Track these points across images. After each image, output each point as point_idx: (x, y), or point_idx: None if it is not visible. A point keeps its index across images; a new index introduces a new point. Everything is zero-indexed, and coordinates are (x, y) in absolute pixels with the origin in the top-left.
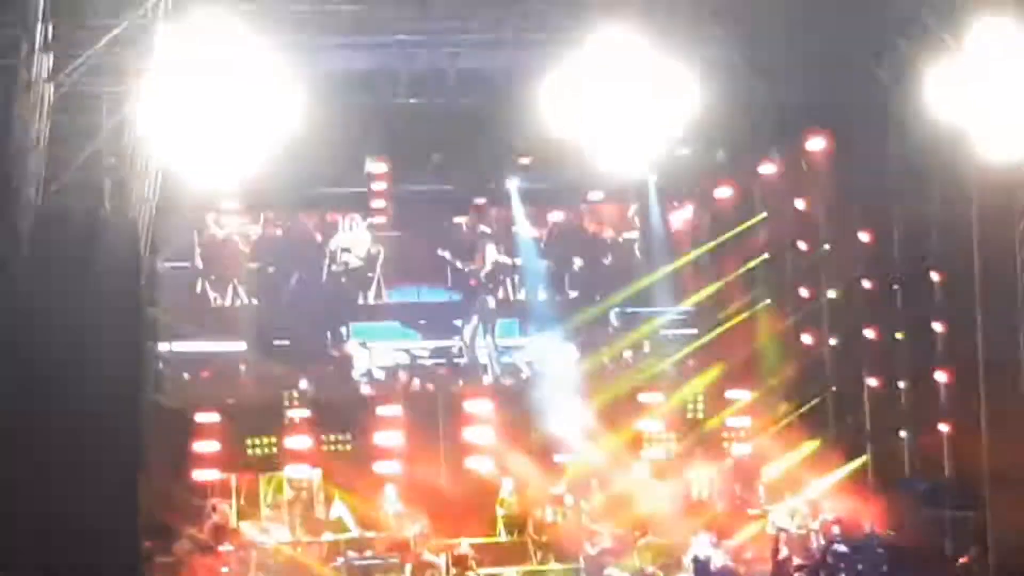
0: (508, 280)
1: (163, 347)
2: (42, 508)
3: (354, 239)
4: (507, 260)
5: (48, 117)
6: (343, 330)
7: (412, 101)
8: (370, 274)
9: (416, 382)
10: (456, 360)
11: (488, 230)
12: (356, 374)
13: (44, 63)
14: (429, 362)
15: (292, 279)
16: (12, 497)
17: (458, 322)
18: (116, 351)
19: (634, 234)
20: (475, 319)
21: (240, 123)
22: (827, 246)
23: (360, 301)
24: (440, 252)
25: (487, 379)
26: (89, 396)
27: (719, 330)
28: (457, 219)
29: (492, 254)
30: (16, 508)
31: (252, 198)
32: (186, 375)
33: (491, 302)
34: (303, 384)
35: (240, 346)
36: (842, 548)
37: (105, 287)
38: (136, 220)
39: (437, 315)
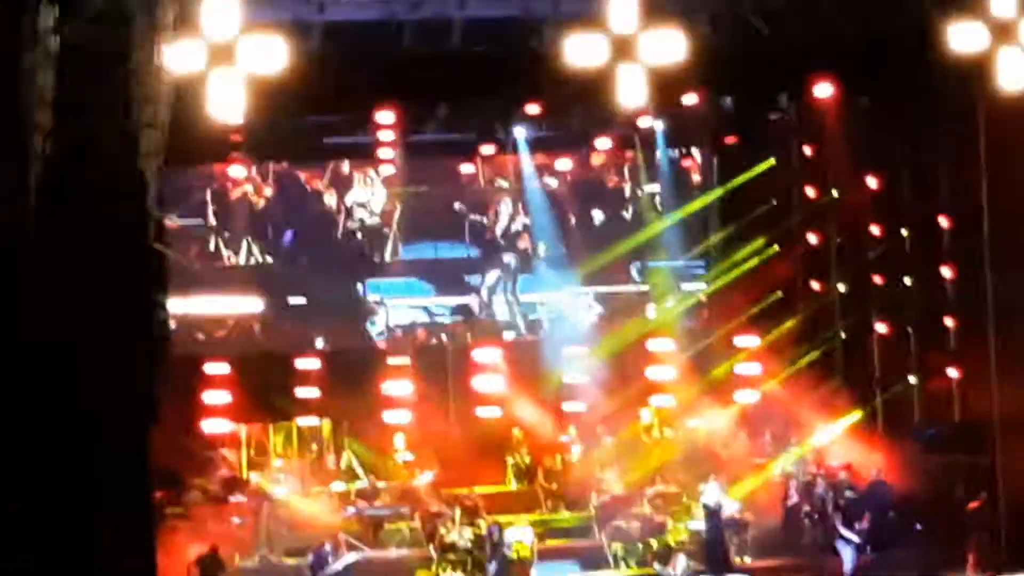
0: (526, 234)
1: (177, 305)
2: (52, 458)
3: (370, 194)
4: (523, 215)
5: (54, 69)
6: (359, 287)
7: (419, 50)
8: (386, 230)
9: (433, 340)
10: (475, 317)
11: (504, 184)
12: (373, 332)
13: (50, 15)
14: (448, 320)
15: (286, 236)
16: (21, 445)
17: (476, 278)
18: (126, 303)
19: (654, 187)
20: (494, 274)
21: (248, 74)
22: (835, 192)
23: (376, 258)
24: (457, 206)
25: (509, 335)
26: (99, 348)
27: (727, 278)
28: (466, 168)
29: (507, 208)
30: (25, 457)
31: (260, 150)
32: (200, 335)
33: (511, 257)
34: (319, 343)
35: (255, 304)
36: (850, 494)
37: (112, 240)
38: (143, 173)
39: (454, 271)
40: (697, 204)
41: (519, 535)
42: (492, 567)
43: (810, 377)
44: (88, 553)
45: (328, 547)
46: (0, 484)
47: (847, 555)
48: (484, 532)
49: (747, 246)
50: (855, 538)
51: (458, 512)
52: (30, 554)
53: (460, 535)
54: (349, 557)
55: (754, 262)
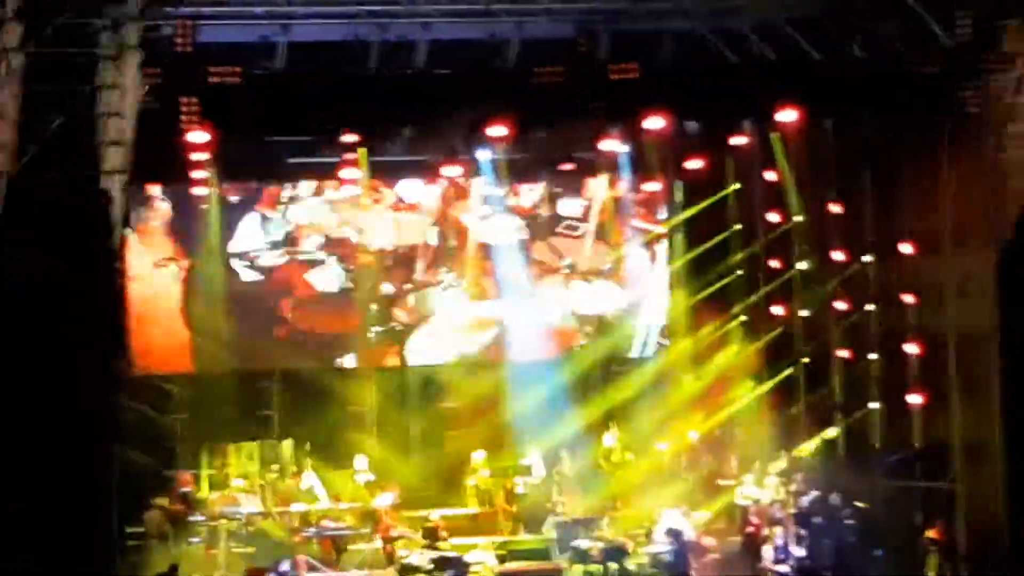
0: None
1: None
2: (16, 476)
3: None
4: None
5: (19, 86)
6: None
7: (384, 72)
8: None
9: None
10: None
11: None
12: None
13: (14, 32)
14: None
15: None
16: None
17: None
18: (90, 321)
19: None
20: None
21: (212, 92)
22: (798, 218)
23: None
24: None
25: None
26: (64, 365)
27: (690, 302)
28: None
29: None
30: None
31: (224, 169)
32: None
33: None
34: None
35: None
36: (812, 519)
37: (77, 257)
38: (108, 190)
39: None
40: (661, 228)
41: (480, 558)
42: None
43: (772, 402)
44: (49, 569)
45: (287, 566)
46: None
47: None
48: (444, 554)
49: (711, 270)
50: (784, 568)
51: (419, 534)
52: None
53: (420, 557)
54: None
55: (718, 287)
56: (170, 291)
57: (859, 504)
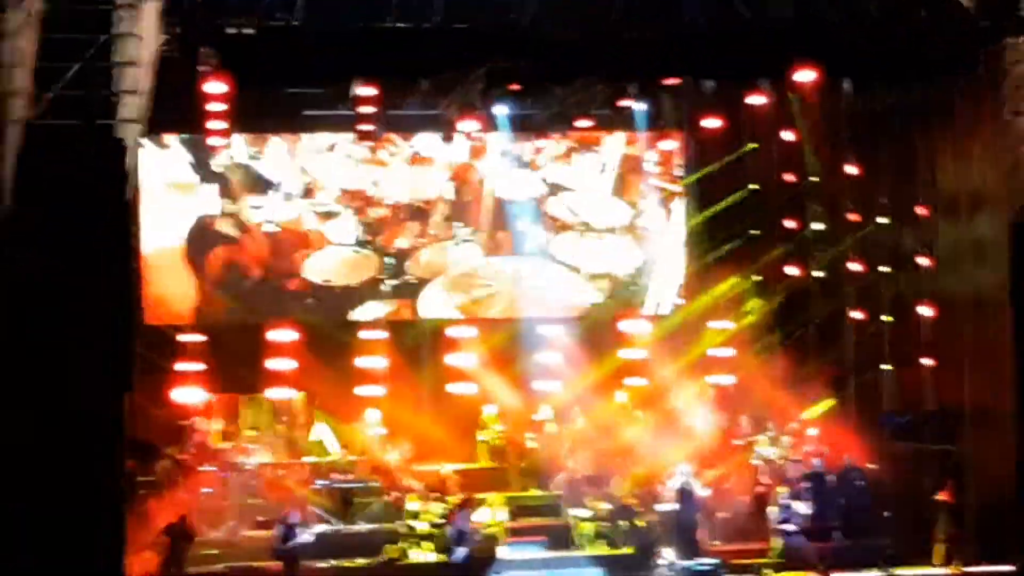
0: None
1: None
2: (26, 424)
3: None
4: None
5: (37, 32)
6: None
7: (401, 25)
8: None
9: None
10: None
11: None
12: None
13: None
14: None
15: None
16: None
17: None
18: (103, 269)
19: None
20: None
21: (229, 43)
22: (814, 178)
23: None
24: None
25: (484, 312)
26: (76, 313)
27: (705, 260)
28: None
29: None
30: None
31: (239, 120)
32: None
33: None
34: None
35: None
36: (822, 480)
37: (91, 205)
38: (123, 139)
39: None
40: (679, 184)
41: (489, 513)
42: (460, 550)
43: (785, 362)
44: (56, 516)
45: (296, 517)
46: None
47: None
48: (453, 509)
49: (726, 229)
50: (790, 527)
51: (428, 488)
52: None
53: (430, 511)
54: (317, 529)
55: (732, 246)
56: (183, 242)
57: (869, 466)
